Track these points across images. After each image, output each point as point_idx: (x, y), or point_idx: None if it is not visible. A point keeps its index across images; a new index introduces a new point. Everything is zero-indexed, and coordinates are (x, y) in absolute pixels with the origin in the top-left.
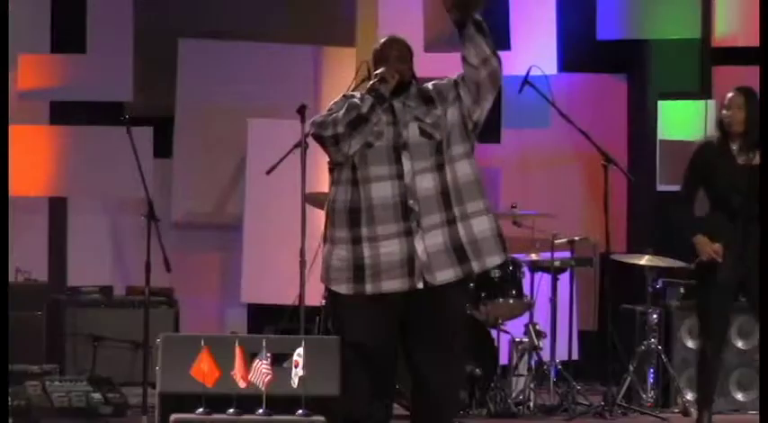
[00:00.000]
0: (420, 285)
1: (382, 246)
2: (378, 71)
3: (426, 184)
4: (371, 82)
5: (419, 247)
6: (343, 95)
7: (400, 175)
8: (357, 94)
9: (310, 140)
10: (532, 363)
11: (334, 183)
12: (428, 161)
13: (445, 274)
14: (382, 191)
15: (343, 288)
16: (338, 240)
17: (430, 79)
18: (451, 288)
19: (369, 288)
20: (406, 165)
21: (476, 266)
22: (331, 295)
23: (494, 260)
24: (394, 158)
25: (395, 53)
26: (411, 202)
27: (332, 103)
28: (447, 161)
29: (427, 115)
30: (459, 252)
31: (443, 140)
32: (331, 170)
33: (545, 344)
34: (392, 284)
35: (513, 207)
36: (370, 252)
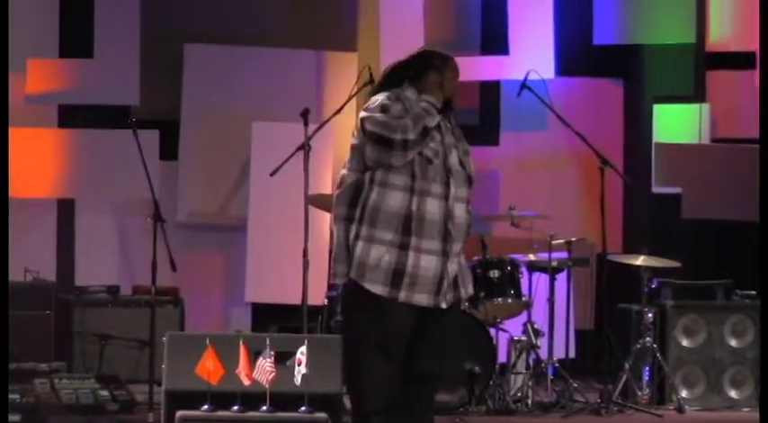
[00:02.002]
0: (444, 305)
1: (423, 259)
2: (452, 96)
3: (460, 212)
4: (444, 98)
5: (449, 268)
6: (397, 97)
7: (446, 197)
8: (409, 97)
9: (314, 143)
10: (530, 361)
11: (377, 184)
12: (463, 191)
13: (450, 296)
14: (435, 207)
15: (378, 289)
16: (379, 241)
17: None
18: (448, 309)
19: (402, 295)
20: (452, 188)
21: (462, 293)
22: (356, 290)
23: (469, 291)
24: (445, 179)
25: (458, 75)
26: (450, 225)
27: (381, 101)
28: (470, 202)
29: (459, 146)
30: (456, 279)
31: (470, 175)
32: (364, 170)
33: (543, 342)
34: (422, 298)
35: (511, 208)
36: (413, 261)
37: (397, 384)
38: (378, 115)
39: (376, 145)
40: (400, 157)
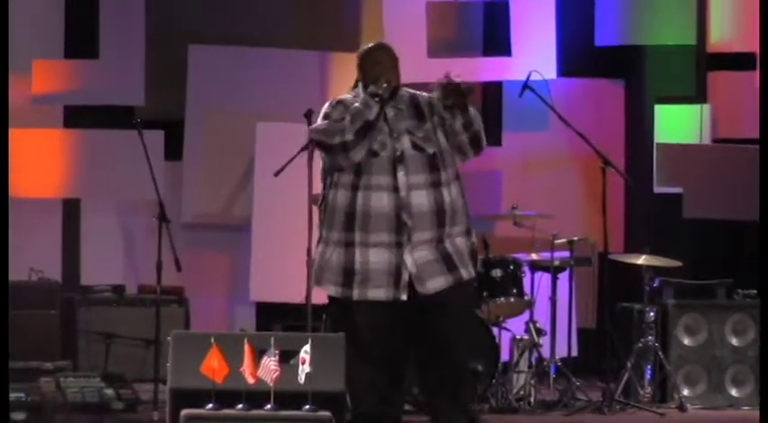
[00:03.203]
0: (404, 297)
1: (372, 253)
2: (383, 79)
3: (420, 200)
4: (378, 87)
5: (408, 259)
6: (338, 101)
7: (396, 188)
8: (350, 98)
9: None
10: (533, 359)
11: (332, 186)
12: (423, 176)
13: (437, 282)
14: (380, 200)
15: (331, 290)
16: (331, 242)
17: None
18: (446, 293)
19: (355, 294)
20: (401, 178)
21: (464, 273)
22: (328, 296)
23: (471, 272)
24: (392, 170)
25: (389, 60)
26: (405, 216)
27: (325, 109)
28: (444, 182)
29: (418, 128)
30: (447, 262)
31: (436, 155)
32: (326, 174)
33: (545, 341)
34: (377, 293)
35: (513, 208)
36: (361, 258)
37: (390, 386)
38: (319, 123)
39: (323, 152)
40: (344, 159)
